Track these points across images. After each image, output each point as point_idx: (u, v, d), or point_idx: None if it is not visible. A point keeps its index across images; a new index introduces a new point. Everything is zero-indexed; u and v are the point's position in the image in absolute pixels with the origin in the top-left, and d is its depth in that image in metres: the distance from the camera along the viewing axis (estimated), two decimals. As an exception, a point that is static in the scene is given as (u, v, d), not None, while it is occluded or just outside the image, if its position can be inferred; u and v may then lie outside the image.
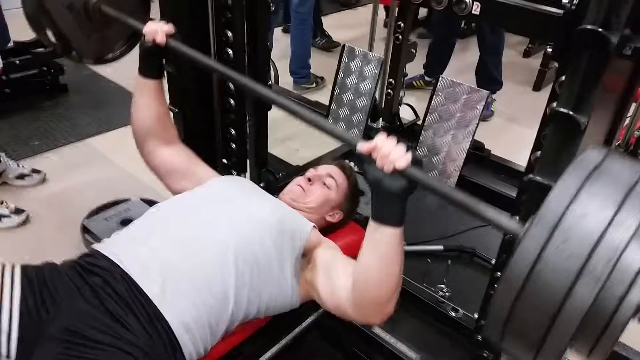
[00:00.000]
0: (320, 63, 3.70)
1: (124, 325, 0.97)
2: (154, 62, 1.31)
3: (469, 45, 4.25)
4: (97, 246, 1.13)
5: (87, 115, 2.99)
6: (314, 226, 1.26)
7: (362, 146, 0.91)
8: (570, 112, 0.82)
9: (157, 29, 1.25)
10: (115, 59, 1.64)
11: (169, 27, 1.27)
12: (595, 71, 0.79)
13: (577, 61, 0.81)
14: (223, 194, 1.26)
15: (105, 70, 3.48)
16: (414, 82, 3.55)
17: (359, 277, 1.01)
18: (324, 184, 1.41)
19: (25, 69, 2.92)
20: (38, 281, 1.02)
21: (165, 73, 1.38)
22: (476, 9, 1.05)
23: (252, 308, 1.13)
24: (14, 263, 1.05)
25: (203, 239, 1.11)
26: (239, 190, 1.30)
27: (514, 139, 3.02)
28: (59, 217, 2.22)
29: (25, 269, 1.04)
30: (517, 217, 0.99)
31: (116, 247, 1.11)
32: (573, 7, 0.89)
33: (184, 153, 1.41)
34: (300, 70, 3.54)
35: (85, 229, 1.95)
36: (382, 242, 0.94)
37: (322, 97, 1.79)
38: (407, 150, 0.89)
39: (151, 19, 1.32)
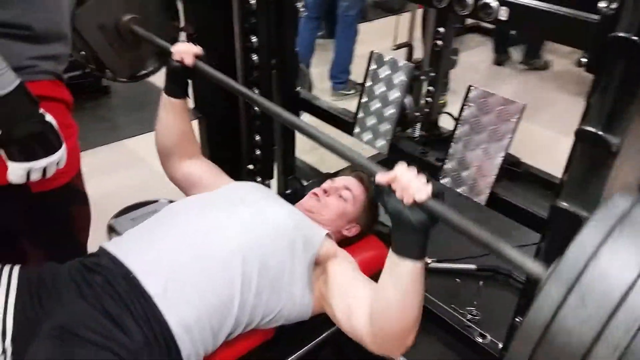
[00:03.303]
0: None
1: (120, 325, 0.96)
2: (180, 82, 1.33)
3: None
4: (105, 244, 1.13)
5: (127, 117, 3.06)
6: (327, 233, 1.20)
7: (382, 177, 0.88)
8: (600, 132, 0.72)
9: (186, 50, 1.28)
10: (149, 75, 1.70)
11: (197, 49, 1.29)
12: (630, 85, 0.69)
13: (609, 73, 0.71)
14: (238, 196, 1.24)
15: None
16: None
17: (378, 310, 0.97)
18: (340, 196, 1.35)
19: (67, 70, 3.03)
20: (37, 279, 1.03)
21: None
22: (503, 14, 0.95)
23: (257, 314, 1.09)
24: (14, 265, 1.06)
25: (212, 240, 1.09)
26: (255, 194, 1.27)
27: (564, 152, 2.84)
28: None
29: (23, 269, 1.05)
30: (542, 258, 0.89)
31: (124, 246, 1.10)
32: (611, 12, 0.79)
33: (206, 166, 1.42)
34: (341, 75, 3.49)
35: (111, 229, 1.98)
36: (402, 276, 0.90)
37: (353, 105, 1.74)
38: (428, 182, 0.85)
39: (181, 41, 1.36)
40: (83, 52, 1.47)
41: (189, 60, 1.27)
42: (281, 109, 1.14)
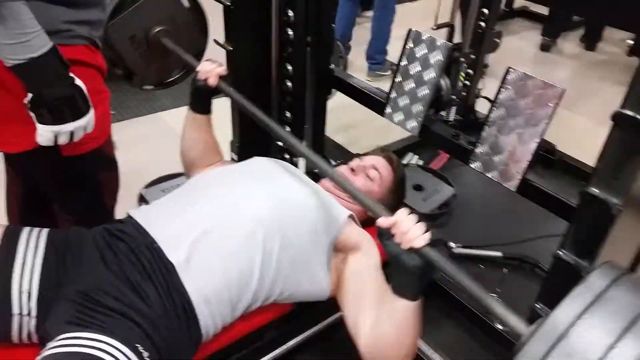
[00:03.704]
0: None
1: (140, 294, 0.98)
2: (204, 99, 1.39)
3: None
4: (132, 212, 1.15)
5: (163, 90, 3.09)
6: (350, 215, 1.20)
7: (384, 221, 0.93)
8: (638, 116, 0.69)
9: (210, 70, 1.32)
10: (174, 83, 1.75)
11: (222, 69, 1.34)
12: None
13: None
14: (263, 172, 1.25)
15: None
16: None
17: (375, 336, 1.02)
18: (368, 175, 1.33)
19: (105, 42, 3.09)
20: (63, 244, 1.05)
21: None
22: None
23: (276, 289, 1.10)
24: (42, 229, 1.09)
25: (235, 213, 1.10)
26: (280, 171, 1.27)
27: (600, 144, 2.74)
28: (121, 185, 2.33)
29: (51, 233, 1.08)
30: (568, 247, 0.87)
31: (150, 215, 1.12)
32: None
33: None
34: (377, 55, 3.43)
35: (142, 198, 2.03)
36: (399, 312, 0.96)
37: (387, 85, 1.72)
38: (426, 231, 0.91)
39: (207, 60, 1.39)
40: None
41: (212, 81, 1.32)
42: (296, 139, 1.19)
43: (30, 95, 0.97)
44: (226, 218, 1.09)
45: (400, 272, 0.93)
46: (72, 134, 1.02)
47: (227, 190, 1.16)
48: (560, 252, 0.88)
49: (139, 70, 1.59)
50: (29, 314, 0.97)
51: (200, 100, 1.38)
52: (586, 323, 0.62)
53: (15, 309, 0.97)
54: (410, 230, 0.90)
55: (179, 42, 1.54)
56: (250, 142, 1.42)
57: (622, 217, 0.78)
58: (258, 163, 1.30)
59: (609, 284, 0.65)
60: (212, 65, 1.34)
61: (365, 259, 1.15)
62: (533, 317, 0.96)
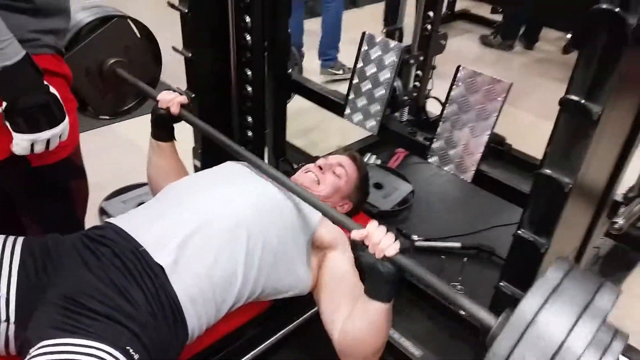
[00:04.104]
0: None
1: (126, 297, 0.97)
2: (166, 127, 1.39)
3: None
4: (111, 220, 1.14)
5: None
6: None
7: (357, 234, 1.00)
8: (582, 101, 0.77)
9: (171, 100, 1.34)
10: (130, 111, 1.78)
11: (182, 98, 1.35)
12: (611, 56, 0.73)
13: (591, 44, 0.75)
14: (240, 173, 1.27)
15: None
16: None
17: (349, 332, 1.07)
18: (334, 173, 1.38)
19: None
20: (39, 248, 1.04)
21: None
22: (492, -9, 0.99)
23: (259, 288, 1.12)
24: (17, 236, 1.07)
25: (218, 214, 1.11)
26: (256, 172, 1.29)
27: (543, 136, 2.91)
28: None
29: (27, 239, 1.06)
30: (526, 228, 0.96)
31: (131, 221, 1.12)
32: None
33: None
34: (330, 51, 3.46)
35: (102, 211, 1.99)
36: (372, 313, 1.02)
37: (342, 87, 1.77)
38: (395, 240, 0.98)
39: (166, 89, 1.41)
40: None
41: (174, 109, 1.34)
42: (260, 160, 1.24)
43: (4, 103, 0.95)
44: (209, 219, 1.10)
45: (375, 279, 0.99)
46: (48, 142, 1.01)
47: (208, 192, 1.17)
48: (520, 232, 0.95)
49: (93, 102, 1.60)
50: (7, 320, 0.95)
51: (163, 128, 1.38)
52: (548, 311, 0.71)
53: None
54: (381, 241, 0.96)
55: (132, 72, 1.56)
56: (213, 147, 1.42)
57: (573, 194, 0.85)
58: (234, 167, 1.32)
59: (562, 276, 0.75)
60: (172, 94, 1.36)
61: (341, 257, 1.20)
62: (498, 295, 1.03)
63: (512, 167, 1.83)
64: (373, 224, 1.00)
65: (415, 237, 1.89)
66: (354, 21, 4.22)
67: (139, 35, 1.62)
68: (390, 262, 0.96)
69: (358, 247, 1.02)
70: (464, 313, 1.51)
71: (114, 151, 2.62)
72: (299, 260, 1.17)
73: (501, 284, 1.01)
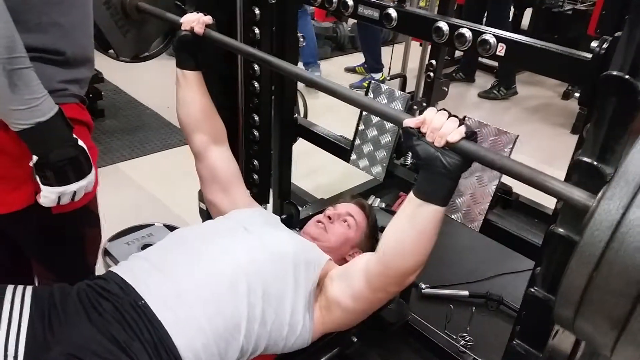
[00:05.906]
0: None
1: (128, 353, 0.96)
2: (190, 52, 1.31)
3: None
4: (114, 269, 1.13)
5: (121, 140, 3.06)
6: (330, 259, 1.23)
7: (410, 121, 0.87)
8: (595, 163, 0.77)
9: (196, 19, 1.26)
10: (152, 57, 1.68)
11: (207, 18, 1.28)
12: (622, 120, 0.75)
13: (602, 109, 0.76)
14: (243, 224, 1.26)
15: (142, 96, 3.58)
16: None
17: (391, 245, 0.99)
18: (344, 222, 1.38)
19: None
20: (48, 303, 1.03)
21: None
22: (501, 50, 1.01)
23: (262, 342, 1.10)
24: (26, 286, 1.06)
25: (219, 267, 1.10)
26: (260, 222, 1.30)
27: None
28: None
29: (35, 291, 1.05)
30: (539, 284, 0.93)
31: (134, 271, 1.11)
32: (602, 52, 0.85)
33: (231, 164, 1.43)
34: (310, 58, 4.17)
35: (106, 252, 1.97)
36: (422, 218, 0.91)
37: (349, 132, 1.79)
38: (460, 124, 0.85)
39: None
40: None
41: (199, 29, 1.26)
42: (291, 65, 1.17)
43: (35, 157, 0.96)
44: (210, 272, 1.09)
45: (435, 174, 0.87)
46: (74, 193, 1.01)
47: (210, 245, 1.17)
48: (532, 290, 0.94)
49: (115, 40, 1.51)
50: None
51: (186, 53, 1.30)
52: None
53: None
54: (443, 126, 0.84)
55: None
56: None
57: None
58: (238, 216, 1.31)
59: None
60: (197, 15, 1.27)
61: (338, 267, 1.19)
62: (513, 355, 1.01)
63: (520, 215, 1.82)
64: (431, 110, 0.87)
65: (422, 285, 1.87)
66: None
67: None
68: (453, 151, 0.83)
69: (414, 137, 0.87)
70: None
71: (115, 191, 2.62)
72: (302, 309, 1.15)
73: (514, 342, 0.99)
